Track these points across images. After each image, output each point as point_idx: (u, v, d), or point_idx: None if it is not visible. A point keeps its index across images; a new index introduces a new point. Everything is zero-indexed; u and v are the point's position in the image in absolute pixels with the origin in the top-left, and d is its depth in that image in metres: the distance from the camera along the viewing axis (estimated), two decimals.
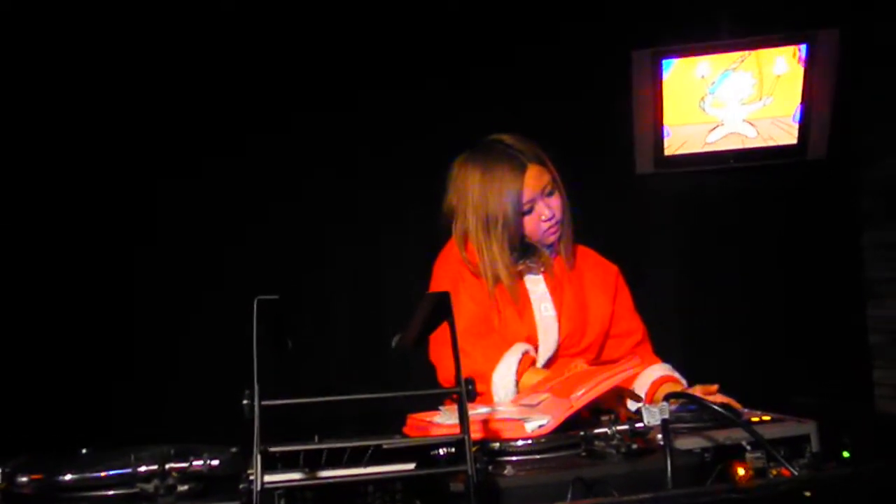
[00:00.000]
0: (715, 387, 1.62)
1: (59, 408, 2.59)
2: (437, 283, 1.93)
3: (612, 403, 1.46)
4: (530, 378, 1.75)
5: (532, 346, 1.83)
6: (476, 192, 1.81)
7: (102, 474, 1.13)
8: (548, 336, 1.86)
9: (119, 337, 2.82)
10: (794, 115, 3.06)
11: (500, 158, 1.81)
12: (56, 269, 2.77)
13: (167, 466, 1.09)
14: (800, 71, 2.97)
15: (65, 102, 2.79)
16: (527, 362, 1.78)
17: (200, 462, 1.11)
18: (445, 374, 1.84)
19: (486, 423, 1.29)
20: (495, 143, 1.85)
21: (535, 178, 1.81)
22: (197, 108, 2.91)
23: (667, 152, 3.10)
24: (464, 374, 1.76)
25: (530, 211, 1.83)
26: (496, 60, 3.03)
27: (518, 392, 1.72)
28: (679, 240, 3.26)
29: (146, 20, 2.80)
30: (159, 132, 2.90)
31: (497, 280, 1.84)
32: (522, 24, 3.05)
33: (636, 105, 3.03)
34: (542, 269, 1.90)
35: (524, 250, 1.88)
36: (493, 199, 1.79)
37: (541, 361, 1.85)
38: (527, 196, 1.80)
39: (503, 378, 1.72)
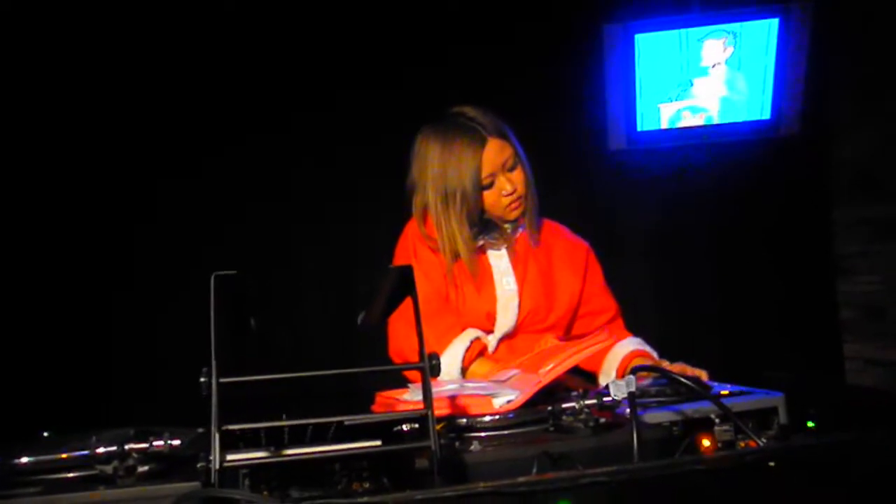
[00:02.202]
0: (688, 368, 1.62)
1: (34, 395, 2.55)
2: (396, 261, 1.92)
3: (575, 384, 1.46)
4: (480, 367, 1.74)
5: (484, 333, 1.82)
6: (435, 166, 1.79)
7: (61, 456, 1.11)
8: (508, 310, 1.84)
9: (96, 326, 2.78)
10: (766, 91, 3.05)
11: (459, 131, 1.79)
12: (29, 255, 2.71)
13: (126, 447, 1.07)
14: (773, 45, 2.97)
15: (51, 97, 2.74)
16: (475, 349, 1.77)
17: (161, 442, 1.09)
18: (396, 347, 1.83)
19: (453, 398, 1.28)
20: (457, 116, 1.83)
21: (495, 152, 1.78)
22: (180, 105, 2.86)
23: (639, 128, 3.09)
24: (410, 349, 1.77)
25: (490, 185, 1.81)
26: (467, 36, 2.99)
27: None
28: (651, 216, 3.26)
29: (124, 15, 2.75)
30: (139, 128, 2.85)
31: (456, 255, 1.82)
32: (495, 3, 3.01)
33: (608, 81, 3.01)
34: (503, 245, 1.88)
35: (485, 225, 1.86)
36: (451, 172, 1.77)
37: (498, 335, 1.84)
38: (486, 170, 1.78)
39: (448, 365, 1.70)
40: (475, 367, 1.75)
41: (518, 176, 1.83)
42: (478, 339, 1.78)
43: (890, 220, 3.19)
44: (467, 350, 1.75)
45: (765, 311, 3.27)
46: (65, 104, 2.76)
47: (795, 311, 3.26)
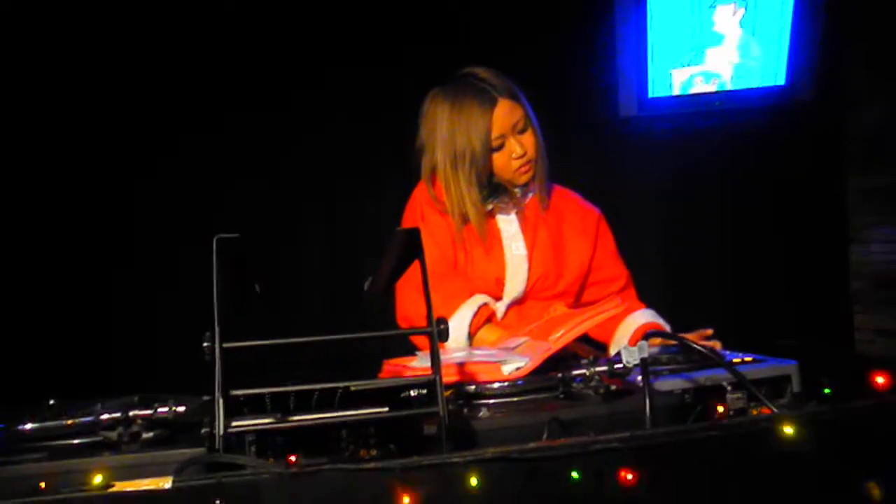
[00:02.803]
0: (710, 331, 1.60)
1: (41, 363, 2.56)
2: (404, 225, 1.89)
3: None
4: (488, 334, 1.72)
5: (492, 299, 1.79)
6: (444, 127, 1.76)
7: (66, 423, 1.10)
8: (517, 275, 1.81)
9: (101, 294, 2.77)
10: (781, 56, 3.00)
11: (469, 92, 1.75)
12: (32, 227, 2.70)
13: (131, 414, 1.06)
14: (789, 8, 2.90)
15: (44, 76, 2.70)
16: (483, 315, 1.74)
17: (165, 409, 1.08)
18: (403, 312, 1.80)
19: (462, 365, 1.26)
20: (467, 77, 1.79)
21: (505, 114, 1.75)
22: (172, 82, 2.81)
23: (651, 95, 3.04)
24: (417, 315, 1.75)
25: (500, 147, 1.78)
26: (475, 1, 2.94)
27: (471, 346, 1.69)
28: (662, 184, 3.22)
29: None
30: (131, 105, 2.80)
31: (465, 218, 1.79)
32: None
33: (620, 45, 2.95)
34: (513, 210, 1.86)
35: (494, 189, 1.83)
36: (460, 133, 1.74)
37: (507, 301, 1.82)
38: (496, 131, 1.75)
39: (455, 331, 1.66)
40: (483, 334, 1.73)
41: (529, 139, 1.79)
42: (486, 304, 1.76)
43: None
44: (475, 315, 1.72)
45: (776, 280, 3.24)
46: (61, 84, 2.71)
47: (807, 281, 3.23)
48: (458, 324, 1.69)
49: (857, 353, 3.20)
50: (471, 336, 1.72)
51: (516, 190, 1.85)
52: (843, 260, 3.35)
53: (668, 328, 1.78)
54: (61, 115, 2.73)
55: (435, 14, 2.93)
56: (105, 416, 1.07)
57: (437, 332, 0.97)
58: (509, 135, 1.77)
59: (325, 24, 2.92)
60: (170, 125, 2.80)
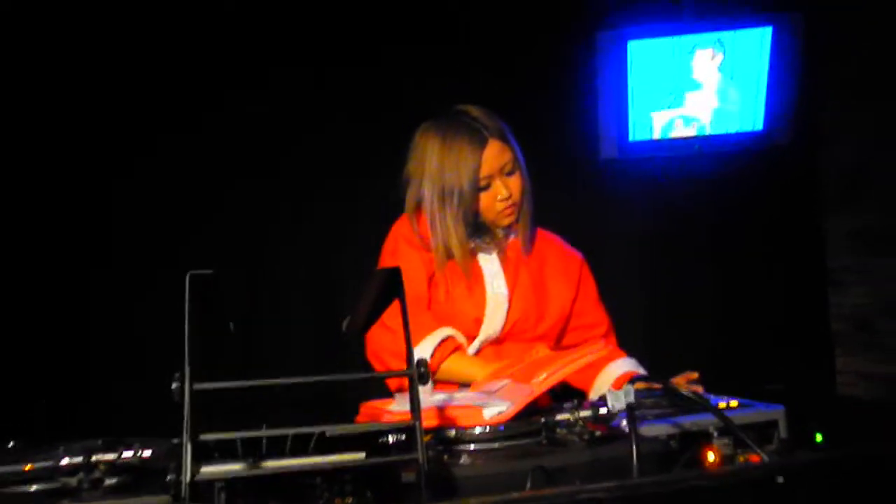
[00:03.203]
0: (695, 374, 1.58)
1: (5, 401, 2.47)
2: (382, 261, 1.87)
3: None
4: (456, 362, 1.70)
5: (460, 332, 1.77)
6: (434, 161, 1.75)
7: (24, 468, 1.04)
8: (496, 314, 1.79)
9: (70, 327, 2.70)
10: (759, 101, 3.03)
11: (461, 129, 1.75)
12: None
13: (93, 458, 1.01)
14: (766, 54, 2.94)
15: (27, 83, 2.66)
16: (448, 347, 1.71)
17: (130, 453, 1.02)
18: (372, 347, 1.77)
19: (441, 409, 1.22)
20: (460, 114, 1.79)
21: (495, 155, 1.75)
22: (153, 82, 2.78)
23: (631, 138, 3.05)
24: (385, 351, 1.71)
25: (487, 187, 1.77)
26: (458, 38, 2.95)
27: (434, 379, 1.66)
28: (643, 226, 3.22)
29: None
30: (111, 113, 2.76)
31: (449, 254, 1.78)
32: (486, 5, 2.97)
33: (601, 88, 2.97)
34: (495, 249, 1.85)
35: (477, 229, 1.82)
36: (449, 170, 1.73)
37: (482, 338, 1.79)
38: (484, 171, 1.74)
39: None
40: (450, 363, 1.70)
41: (515, 182, 1.79)
42: (451, 337, 1.73)
43: (880, 232, 3.17)
44: (437, 347, 1.69)
45: (756, 323, 3.23)
46: (43, 92, 2.67)
47: (788, 323, 3.23)
48: (419, 354, 1.65)
49: (840, 397, 3.18)
50: (431, 369, 1.68)
51: (499, 231, 1.84)
52: (823, 302, 3.36)
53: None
54: (41, 121, 2.67)
55: (421, 56, 2.94)
56: (66, 461, 1.02)
57: (418, 375, 0.93)
58: (496, 176, 1.76)
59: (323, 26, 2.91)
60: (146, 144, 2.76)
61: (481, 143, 1.73)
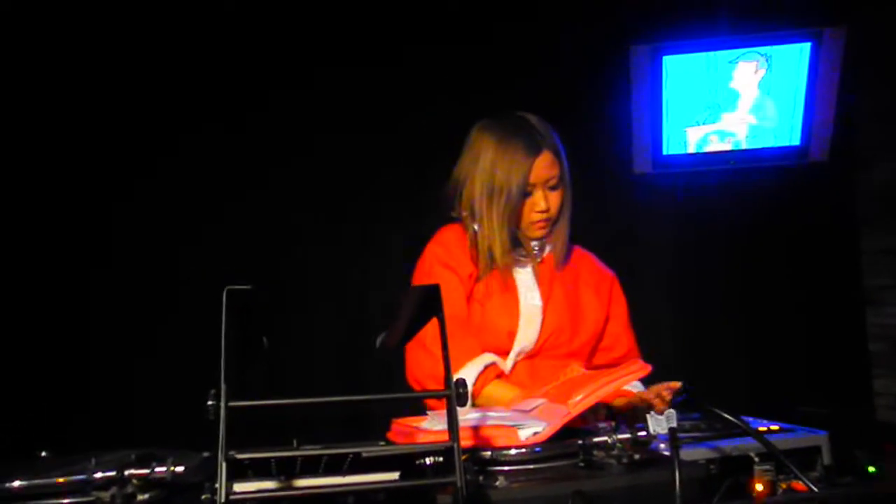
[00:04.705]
0: (677, 384, 1.54)
1: (35, 410, 2.49)
2: (415, 281, 1.86)
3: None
4: (496, 389, 1.68)
5: (501, 358, 1.75)
6: (487, 159, 1.76)
7: (57, 480, 1.04)
8: (530, 326, 1.78)
9: (100, 335, 2.72)
10: (797, 116, 2.98)
11: (519, 133, 1.75)
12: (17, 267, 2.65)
13: (126, 473, 1.00)
14: (805, 69, 2.89)
15: (29, 87, 2.68)
16: (490, 374, 1.70)
17: (164, 468, 1.01)
18: (413, 372, 1.76)
19: (476, 429, 1.19)
20: (519, 119, 1.79)
21: (546, 166, 1.75)
22: (162, 91, 2.81)
23: (665, 152, 3.02)
24: (426, 375, 1.70)
25: (528, 195, 1.76)
26: (492, 52, 2.94)
27: (475, 405, 1.63)
28: (676, 241, 3.18)
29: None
30: (119, 122, 2.78)
31: (492, 258, 1.77)
32: (521, 18, 2.96)
33: (635, 103, 2.94)
34: (529, 263, 1.84)
35: (513, 241, 1.81)
36: (501, 170, 1.73)
37: (517, 351, 1.78)
38: (532, 178, 1.74)
39: None
40: (491, 389, 1.69)
41: (556, 198, 1.79)
42: (493, 364, 1.72)
43: None
44: (480, 374, 1.68)
45: (792, 342, 3.17)
46: (46, 97, 2.69)
47: (824, 343, 3.16)
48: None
49: (882, 423, 3.10)
50: (474, 395, 1.66)
51: (533, 244, 1.82)
52: (860, 322, 3.28)
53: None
54: (43, 123, 2.69)
55: (456, 69, 2.93)
56: (98, 475, 1.01)
57: (456, 395, 0.91)
58: (540, 187, 1.76)
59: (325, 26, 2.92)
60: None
61: (535, 151, 1.73)
